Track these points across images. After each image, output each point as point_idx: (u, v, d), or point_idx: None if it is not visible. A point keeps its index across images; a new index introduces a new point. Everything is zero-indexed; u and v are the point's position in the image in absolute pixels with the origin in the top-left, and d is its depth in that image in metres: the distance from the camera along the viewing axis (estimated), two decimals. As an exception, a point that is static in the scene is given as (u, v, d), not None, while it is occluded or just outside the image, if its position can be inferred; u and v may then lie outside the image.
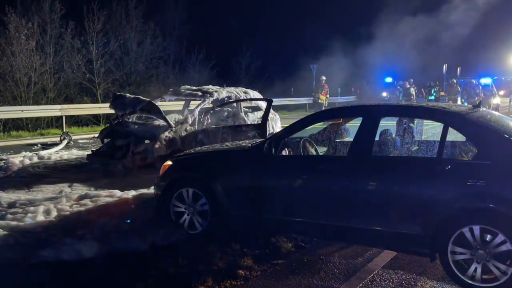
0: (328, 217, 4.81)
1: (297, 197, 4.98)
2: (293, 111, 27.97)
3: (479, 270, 4.06)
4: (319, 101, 23.45)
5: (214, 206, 5.34)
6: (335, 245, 5.22)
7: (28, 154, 10.94)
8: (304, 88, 32.98)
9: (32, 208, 6.08)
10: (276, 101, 23.46)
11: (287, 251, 5.08)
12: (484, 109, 5.17)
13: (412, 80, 28.93)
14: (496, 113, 5.33)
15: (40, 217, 5.79)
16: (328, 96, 24.52)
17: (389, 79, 31.53)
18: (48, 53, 22.57)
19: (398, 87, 28.48)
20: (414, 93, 24.87)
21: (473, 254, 4.09)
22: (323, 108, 21.06)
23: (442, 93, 27.60)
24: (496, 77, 34.62)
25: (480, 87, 22.98)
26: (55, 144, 13.31)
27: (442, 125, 4.51)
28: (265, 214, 5.17)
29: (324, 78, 23.87)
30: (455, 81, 25.57)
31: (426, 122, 6.11)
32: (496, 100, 22.39)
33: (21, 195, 7.18)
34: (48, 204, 6.27)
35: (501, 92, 30.85)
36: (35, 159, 10.42)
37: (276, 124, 10.94)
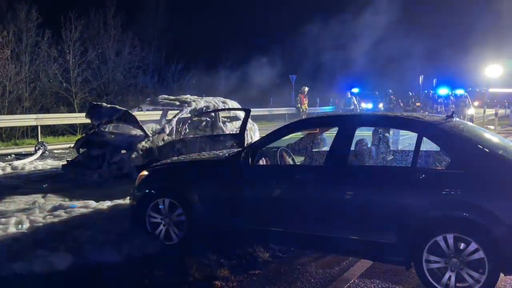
0: (304, 227, 4.81)
1: (274, 206, 4.97)
2: (272, 121, 28.02)
3: (453, 279, 4.10)
4: (303, 111, 23.64)
5: (190, 217, 5.28)
6: (312, 255, 5.22)
7: (1, 164, 10.71)
8: (283, 98, 33.16)
9: (3, 220, 5.93)
10: (255, 111, 23.47)
11: (264, 261, 5.05)
12: (457, 119, 5.26)
13: (391, 91, 29.43)
14: (469, 123, 5.44)
15: (12, 229, 5.64)
16: (306, 106, 24.65)
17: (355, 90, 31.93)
18: (24, 62, 22.25)
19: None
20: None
21: (447, 262, 4.13)
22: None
23: (418, 104, 28.13)
24: (470, 88, 35.48)
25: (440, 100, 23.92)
26: (29, 154, 13.05)
27: (417, 135, 4.58)
28: (242, 224, 5.14)
29: (306, 88, 24.05)
30: (431, 92, 26.14)
31: (402, 132, 6.19)
32: (470, 111, 22.91)
33: (-7, 207, 7.01)
34: (20, 216, 6.13)
35: (476, 103, 31.61)
36: (8, 170, 10.22)
37: (254, 134, 10.95)
